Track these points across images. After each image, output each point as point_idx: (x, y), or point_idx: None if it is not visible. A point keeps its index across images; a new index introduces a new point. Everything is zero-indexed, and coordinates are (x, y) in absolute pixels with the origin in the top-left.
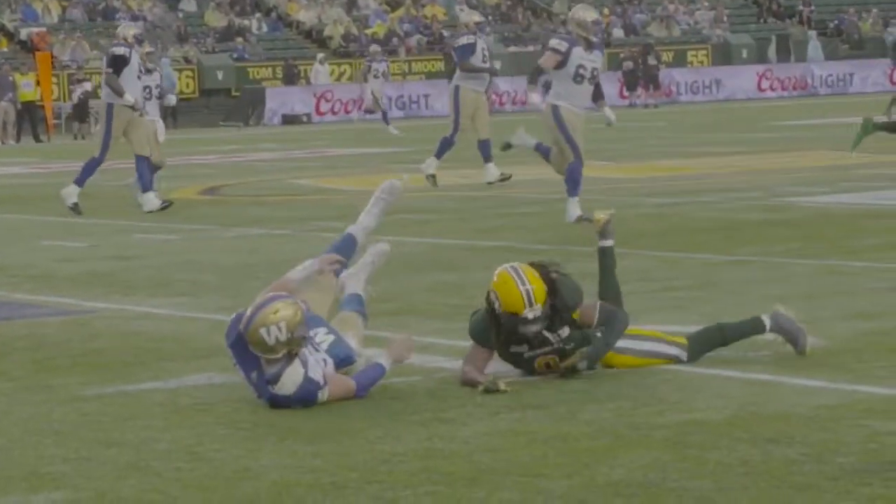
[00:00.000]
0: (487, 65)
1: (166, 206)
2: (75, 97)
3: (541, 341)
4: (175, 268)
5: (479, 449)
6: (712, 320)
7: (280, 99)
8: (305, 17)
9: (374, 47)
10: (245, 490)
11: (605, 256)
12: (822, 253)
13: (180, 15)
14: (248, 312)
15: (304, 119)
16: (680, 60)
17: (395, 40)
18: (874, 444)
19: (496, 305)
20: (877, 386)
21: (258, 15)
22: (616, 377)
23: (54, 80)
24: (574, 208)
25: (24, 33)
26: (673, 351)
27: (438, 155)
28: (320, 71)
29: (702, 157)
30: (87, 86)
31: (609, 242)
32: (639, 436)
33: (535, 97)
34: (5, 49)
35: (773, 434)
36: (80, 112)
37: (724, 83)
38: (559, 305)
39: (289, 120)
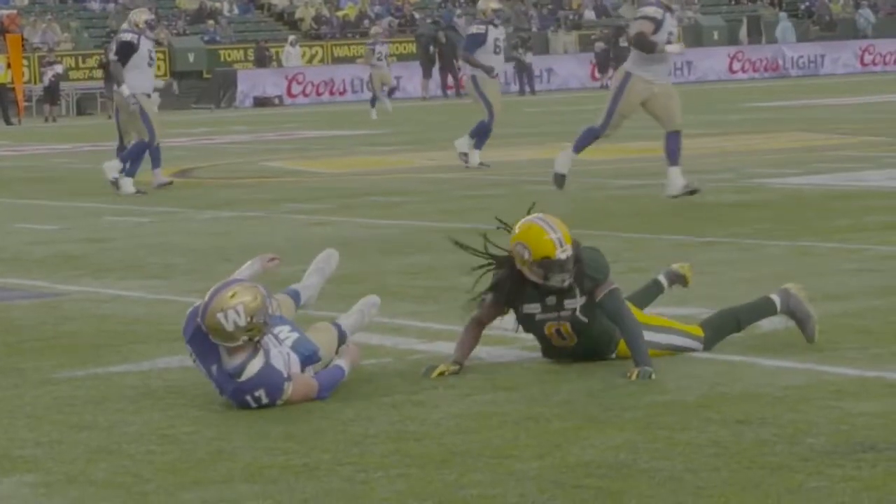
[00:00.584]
0: (500, 55)
1: (141, 192)
2: (46, 80)
3: (555, 305)
4: (147, 250)
5: (450, 431)
6: (682, 302)
7: (251, 81)
8: None
9: (376, 29)
10: (218, 472)
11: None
12: (792, 234)
13: None
14: (204, 300)
15: (276, 101)
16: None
17: (366, 22)
18: (845, 425)
19: (526, 256)
20: (847, 367)
21: None
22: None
23: (25, 62)
24: (677, 177)
25: None
26: (691, 344)
27: (478, 145)
28: (292, 53)
29: None
30: (58, 68)
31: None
32: (610, 417)
33: (674, 47)
34: None
35: (744, 415)
36: (51, 94)
37: (695, 65)
38: (584, 271)
39: (260, 102)
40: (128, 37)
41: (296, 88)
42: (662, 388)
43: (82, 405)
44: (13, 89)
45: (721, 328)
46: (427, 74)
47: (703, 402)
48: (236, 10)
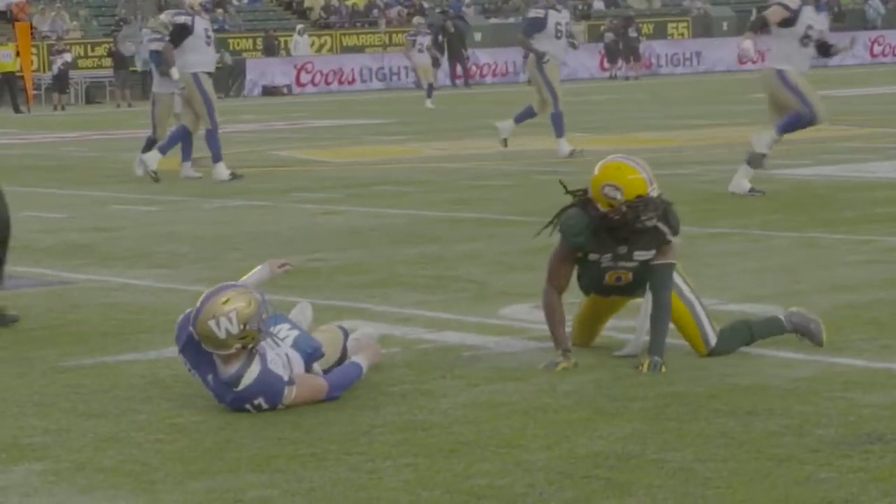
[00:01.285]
0: (561, 39)
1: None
2: (55, 68)
3: (626, 254)
4: (155, 239)
5: (458, 420)
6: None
7: (260, 70)
8: None
9: (418, 19)
10: (225, 461)
11: None
12: (801, 225)
13: None
14: (196, 306)
15: (285, 91)
16: (660, 33)
17: (375, 12)
18: (853, 416)
19: (618, 197)
20: (855, 358)
21: None
22: (595, 349)
23: (34, 50)
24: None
25: (3, 3)
26: (709, 334)
27: (560, 133)
28: (300, 42)
29: (682, 130)
30: (67, 56)
31: None
32: (618, 407)
33: (748, 44)
34: None
35: (753, 406)
36: (60, 83)
37: (704, 55)
38: (669, 219)
39: (269, 91)
40: (181, 19)
41: (304, 77)
42: (671, 379)
43: (90, 394)
44: (22, 77)
45: (735, 337)
46: (436, 64)
47: (711, 393)
48: None
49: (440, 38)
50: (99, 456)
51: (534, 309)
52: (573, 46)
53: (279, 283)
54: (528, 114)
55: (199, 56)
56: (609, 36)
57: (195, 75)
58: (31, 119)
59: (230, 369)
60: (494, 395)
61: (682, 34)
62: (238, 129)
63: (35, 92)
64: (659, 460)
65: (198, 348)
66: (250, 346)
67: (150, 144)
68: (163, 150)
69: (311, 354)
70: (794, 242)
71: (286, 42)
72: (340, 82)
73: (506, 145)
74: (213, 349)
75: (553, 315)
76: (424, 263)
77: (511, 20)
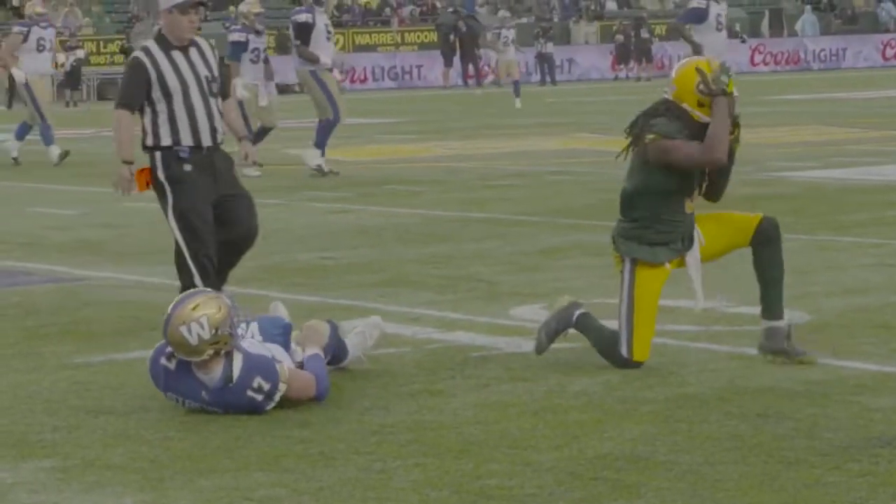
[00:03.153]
0: (722, 31)
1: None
2: (68, 64)
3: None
4: (167, 237)
5: (468, 421)
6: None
7: (272, 68)
8: None
9: (503, 13)
10: (234, 460)
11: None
12: (811, 228)
13: None
14: (166, 314)
15: (297, 89)
16: (673, 34)
17: (387, 10)
18: (863, 419)
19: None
20: (865, 362)
21: None
22: None
23: None
24: None
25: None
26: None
27: None
28: None
29: None
30: (80, 53)
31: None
32: (628, 409)
33: None
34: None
35: (763, 409)
36: (73, 79)
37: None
38: None
39: (282, 89)
40: (302, 17)
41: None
42: (681, 381)
43: (100, 391)
44: None
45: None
46: (448, 63)
47: (722, 395)
48: None
49: (452, 37)
50: (108, 453)
51: (544, 309)
52: (742, 40)
53: (290, 282)
54: None
55: (319, 51)
56: (619, 37)
57: (313, 73)
58: None
59: (215, 374)
60: (504, 395)
61: None
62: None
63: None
64: (668, 462)
65: (178, 377)
66: (223, 350)
67: (260, 134)
68: (320, 146)
69: (282, 332)
70: (805, 245)
71: None
72: (352, 81)
73: None
74: (186, 356)
75: (719, 122)
76: (435, 263)
77: (524, 20)
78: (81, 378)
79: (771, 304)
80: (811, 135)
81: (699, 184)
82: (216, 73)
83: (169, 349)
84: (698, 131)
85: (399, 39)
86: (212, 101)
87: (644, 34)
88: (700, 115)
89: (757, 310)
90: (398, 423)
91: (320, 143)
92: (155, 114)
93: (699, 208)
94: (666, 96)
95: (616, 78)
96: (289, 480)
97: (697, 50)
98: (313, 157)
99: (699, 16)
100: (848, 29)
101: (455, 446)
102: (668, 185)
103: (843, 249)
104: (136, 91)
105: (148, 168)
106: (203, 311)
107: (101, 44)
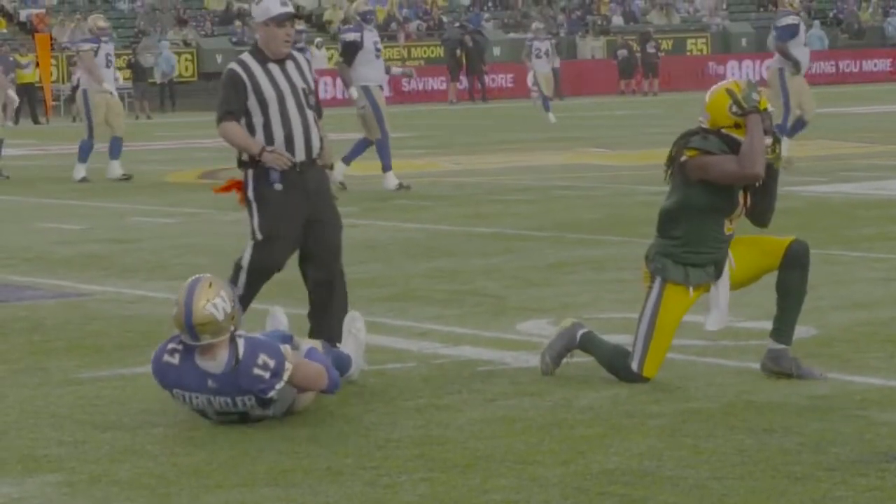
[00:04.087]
0: (807, 48)
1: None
2: (74, 79)
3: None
4: (172, 251)
5: (474, 436)
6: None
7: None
8: (305, 1)
9: (537, 24)
10: (240, 475)
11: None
12: (819, 243)
13: None
14: (182, 303)
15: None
16: (679, 48)
17: (393, 25)
18: (869, 434)
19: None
20: (872, 376)
21: None
22: None
23: (53, 61)
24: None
25: (23, 14)
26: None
27: (790, 134)
28: (317, 55)
29: None
30: None
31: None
32: (634, 424)
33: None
34: (4, 30)
35: (769, 424)
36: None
37: (723, 71)
38: None
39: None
40: (350, 36)
41: (322, 90)
42: (687, 395)
43: (106, 405)
44: (41, 88)
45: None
46: (454, 78)
47: (728, 410)
48: None
49: (458, 52)
50: (114, 468)
51: (550, 324)
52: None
53: (297, 297)
54: (798, 126)
55: (369, 69)
56: (622, 53)
57: (366, 88)
58: (49, 130)
59: (221, 359)
60: (510, 410)
61: (701, 50)
62: None
63: (54, 103)
64: (675, 477)
65: (182, 371)
66: (233, 329)
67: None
68: (347, 161)
69: (281, 340)
70: (812, 259)
71: None
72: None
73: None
74: (213, 335)
75: (755, 140)
76: (441, 278)
77: (530, 35)
78: (88, 393)
79: (783, 328)
80: (817, 149)
81: (740, 203)
82: (312, 85)
83: (171, 346)
84: (739, 150)
85: (406, 54)
86: (308, 113)
87: (650, 49)
88: (738, 137)
89: (763, 324)
90: (405, 437)
91: (386, 165)
92: (250, 127)
93: (740, 231)
94: (701, 125)
95: (622, 93)
96: (296, 495)
97: (798, 67)
98: (339, 171)
99: (793, 32)
100: (855, 44)
101: (461, 461)
102: (706, 203)
103: (850, 264)
104: (235, 99)
105: (240, 182)
106: (217, 287)
107: None
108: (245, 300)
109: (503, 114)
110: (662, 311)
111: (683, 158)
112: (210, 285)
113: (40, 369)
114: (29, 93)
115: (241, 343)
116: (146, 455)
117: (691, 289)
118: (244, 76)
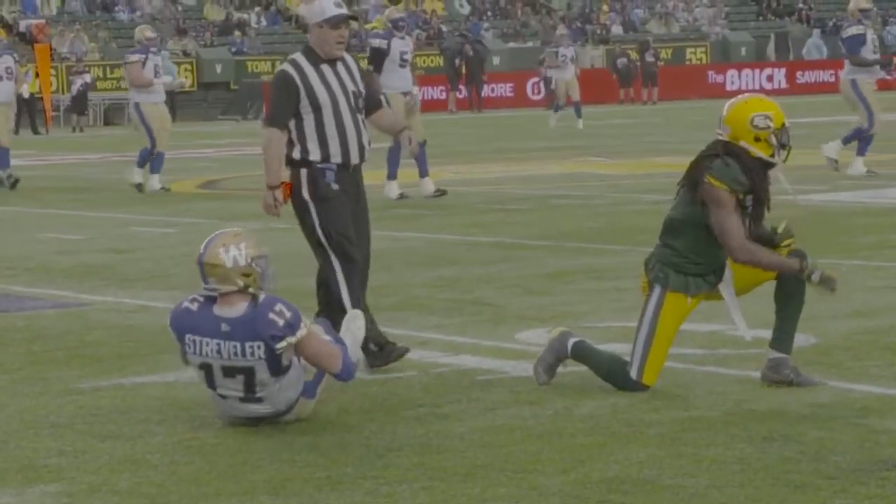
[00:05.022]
0: (877, 55)
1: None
2: (74, 89)
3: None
4: (172, 261)
5: (474, 444)
6: (709, 318)
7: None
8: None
9: (561, 30)
10: (241, 484)
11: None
12: (817, 251)
13: (179, 8)
14: (206, 241)
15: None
16: (678, 58)
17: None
18: (870, 442)
19: (770, 124)
20: (872, 385)
21: (257, 9)
22: None
23: (53, 72)
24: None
25: (23, 25)
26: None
27: (861, 151)
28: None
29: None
30: (87, 78)
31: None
32: (634, 432)
33: None
34: (4, 40)
35: (769, 432)
36: (79, 104)
37: (722, 81)
38: None
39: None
40: (376, 42)
41: None
42: (687, 404)
43: (107, 415)
44: (41, 99)
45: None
46: (454, 88)
47: (728, 418)
48: (264, 22)
49: (457, 61)
50: (114, 478)
51: (549, 333)
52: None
53: (298, 306)
54: (856, 135)
55: (392, 76)
56: (622, 61)
57: (384, 96)
58: (49, 140)
59: (238, 308)
60: (510, 419)
61: (701, 59)
62: (256, 152)
63: (54, 113)
64: (674, 486)
65: (199, 316)
66: (251, 288)
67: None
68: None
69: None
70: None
71: None
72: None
73: (836, 168)
74: (217, 281)
75: (770, 256)
76: (441, 287)
77: (529, 45)
78: (88, 402)
79: (783, 337)
80: (816, 158)
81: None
82: (362, 88)
83: (193, 296)
84: (758, 169)
85: None
86: (359, 116)
87: (649, 58)
88: (757, 151)
89: (763, 332)
90: (404, 446)
91: (424, 171)
92: (303, 127)
93: None
94: (720, 137)
95: (621, 102)
96: None
97: (883, 63)
98: (393, 189)
99: (861, 41)
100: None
101: (461, 470)
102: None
103: (849, 272)
104: (285, 106)
105: (289, 184)
106: (244, 241)
107: (108, 69)
108: (363, 308)
109: (503, 123)
110: (662, 318)
111: (704, 180)
112: (235, 235)
113: (40, 379)
114: (29, 103)
115: (261, 297)
116: (146, 464)
117: (689, 297)
118: (297, 78)
